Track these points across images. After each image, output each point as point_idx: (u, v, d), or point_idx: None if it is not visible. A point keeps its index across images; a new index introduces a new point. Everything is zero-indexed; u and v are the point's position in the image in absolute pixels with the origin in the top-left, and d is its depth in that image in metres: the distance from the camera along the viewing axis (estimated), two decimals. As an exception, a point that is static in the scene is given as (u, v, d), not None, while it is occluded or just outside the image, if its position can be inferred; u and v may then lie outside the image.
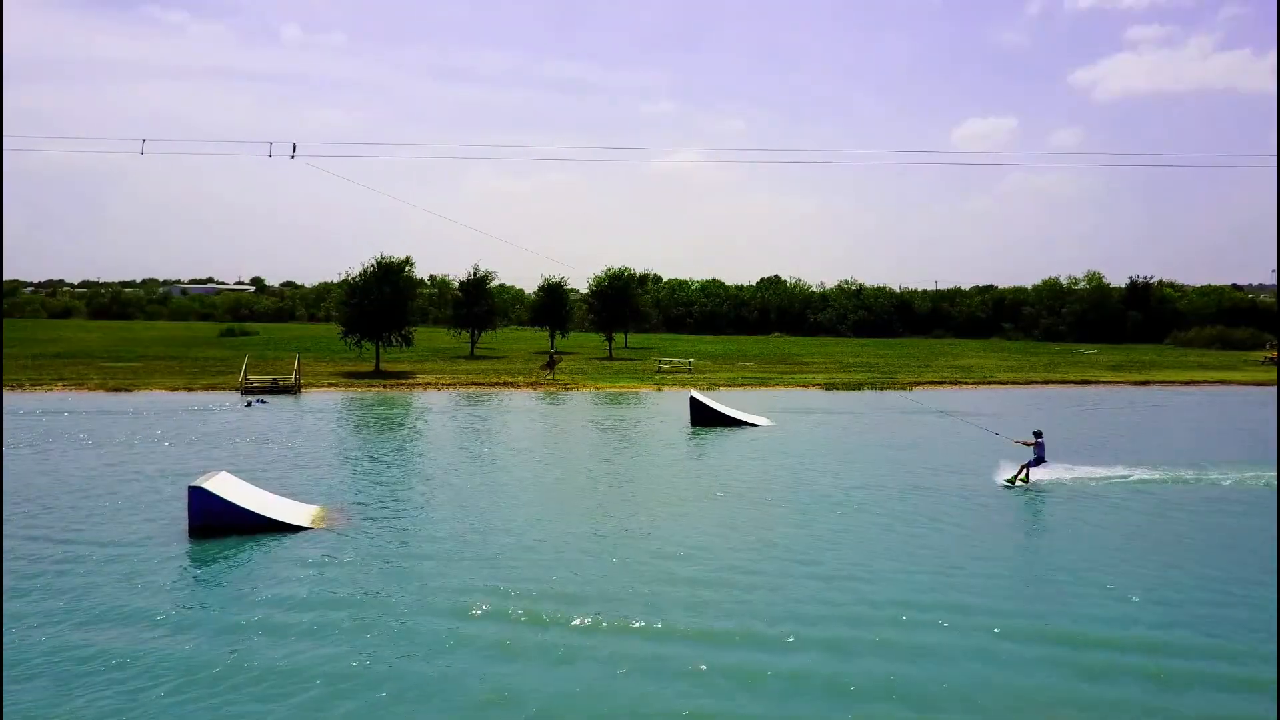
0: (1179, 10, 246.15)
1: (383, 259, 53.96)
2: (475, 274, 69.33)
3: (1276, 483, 23.69)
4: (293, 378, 45.93)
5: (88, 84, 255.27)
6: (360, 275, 53.36)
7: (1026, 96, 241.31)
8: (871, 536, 18.38)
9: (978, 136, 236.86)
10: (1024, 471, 22.88)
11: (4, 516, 19.20)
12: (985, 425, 30.23)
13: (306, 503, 20.62)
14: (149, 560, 16.20)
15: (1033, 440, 23.01)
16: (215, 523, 18.22)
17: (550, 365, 54.73)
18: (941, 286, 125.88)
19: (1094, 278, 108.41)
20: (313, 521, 19.24)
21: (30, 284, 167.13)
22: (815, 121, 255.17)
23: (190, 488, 18.45)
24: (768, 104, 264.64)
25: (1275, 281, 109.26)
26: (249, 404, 39.87)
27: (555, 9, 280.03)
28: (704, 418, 35.28)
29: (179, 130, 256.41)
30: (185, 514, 18.54)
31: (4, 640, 12.30)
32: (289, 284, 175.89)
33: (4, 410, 35.88)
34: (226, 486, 19.07)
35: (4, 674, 11.28)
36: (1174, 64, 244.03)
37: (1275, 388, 50.29)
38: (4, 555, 16.22)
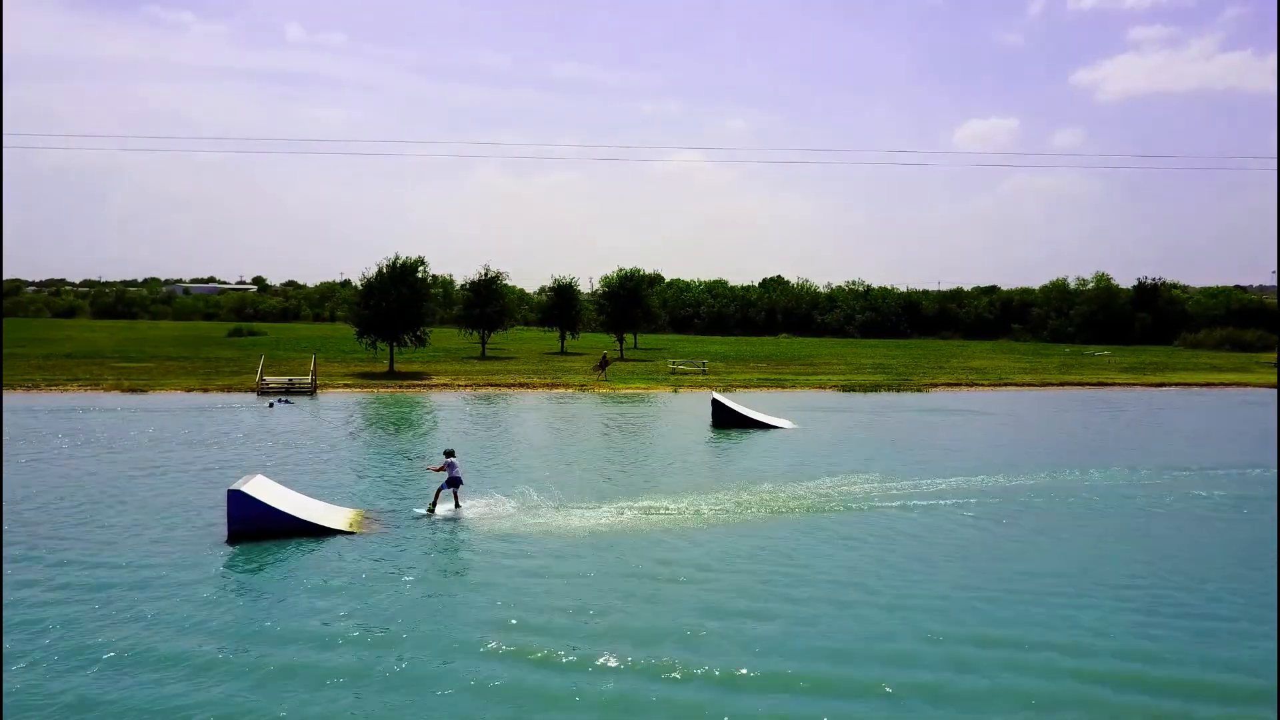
0: (1181, 11, 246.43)
1: (397, 259, 53.79)
2: (486, 274, 69.25)
3: (1277, 483, 23.54)
4: (309, 378, 45.72)
5: (89, 83, 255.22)
6: (376, 276, 53.18)
7: (1028, 97, 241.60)
8: (932, 553, 17.73)
9: (979, 137, 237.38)
10: (442, 498, 20.12)
11: (35, 520, 19.09)
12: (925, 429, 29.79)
13: (341, 505, 20.43)
14: (189, 568, 15.91)
15: (442, 463, 20.27)
16: (254, 526, 18.01)
17: (602, 365, 54.75)
18: (944, 287, 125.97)
19: (1102, 279, 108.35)
20: (350, 525, 19.03)
21: (32, 283, 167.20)
22: (816, 122, 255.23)
23: (229, 491, 18.22)
24: (769, 104, 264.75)
25: (1275, 282, 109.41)
26: (270, 405, 39.66)
27: (555, 9, 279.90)
28: (726, 420, 35.09)
29: (181, 129, 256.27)
30: (223, 517, 18.41)
31: (33, 648, 12.16)
32: (291, 283, 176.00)
33: (21, 411, 35.69)
34: (263, 489, 18.86)
35: (24, 682, 11.14)
36: (1176, 64, 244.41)
37: (1276, 389, 50.25)
38: (41, 560, 16.08)
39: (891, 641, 12.75)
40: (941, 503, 21.45)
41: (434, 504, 20.19)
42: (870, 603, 14.35)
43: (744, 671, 11.65)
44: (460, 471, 20.35)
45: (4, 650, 11.96)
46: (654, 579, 15.54)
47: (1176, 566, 16.59)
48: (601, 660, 11.99)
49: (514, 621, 13.34)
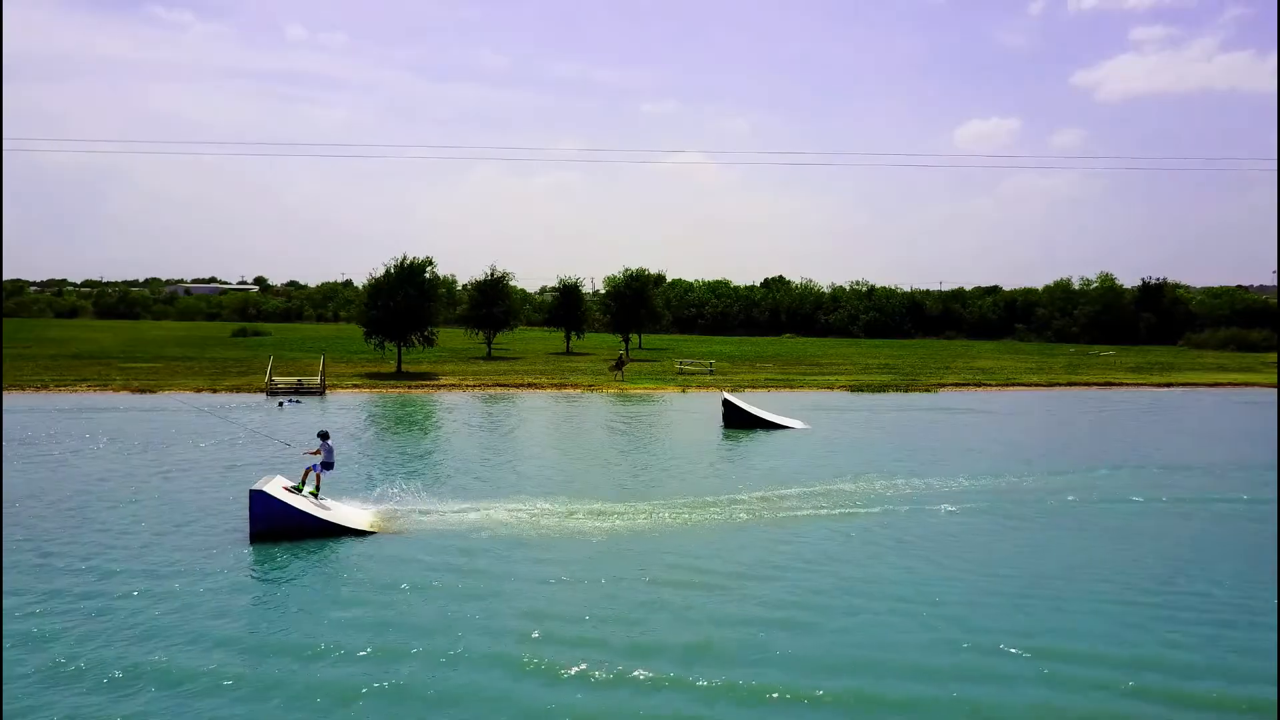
0: (1181, 11, 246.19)
1: (405, 260, 53.78)
2: (492, 274, 69.21)
3: (1277, 482, 23.49)
4: (318, 379, 45.68)
5: (90, 84, 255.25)
6: (384, 276, 53.18)
7: (1029, 97, 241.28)
8: (974, 556, 17.59)
9: (980, 137, 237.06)
10: (312, 478, 19.69)
11: (63, 522, 19.07)
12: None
13: (362, 505, 20.39)
14: (216, 573, 15.77)
15: (318, 446, 20.08)
16: (276, 526, 17.96)
17: (619, 365, 54.80)
18: (946, 287, 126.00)
19: (1106, 279, 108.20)
20: (372, 525, 19.00)
21: (34, 284, 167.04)
22: (817, 121, 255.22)
23: (251, 491, 18.17)
24: (771, 104, 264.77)
25: (1275, 282, 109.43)
26: (280, 405, 39.64)
27: (555, 9, 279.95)
28: (738, 420, 35.05)
29: (182, 130, 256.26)
30: (243, 517, 18.39)
31: (68, 652, 12.15)
32: (292, 284, 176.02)
33: (36, 412, 35.66)
34: (283, 490, 18.83)
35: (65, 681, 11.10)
36: (1176, 65, 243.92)
37: (1276, 388, 50.21)
38: (73, 569, 15.91)
39: (948, 654, 12.41)
40: (969, 504, 21.40)
41: (303, 481, 19.72)
42: (917, 612, 14.00)
43: (801, 687, 11.28)
44: (335, 456, 20.19)
45: (17, 661, 11.84)
46: (687, 586, 15.26)
47: (1220, 571, 16.50)
48: (643, 676, 11.58)
49: (547, 634, 12.98)
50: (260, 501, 18.02)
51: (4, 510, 19.47)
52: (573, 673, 11.73)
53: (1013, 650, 12.52)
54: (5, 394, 40.03)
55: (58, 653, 12.06)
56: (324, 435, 20.32)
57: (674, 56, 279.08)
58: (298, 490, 19.43)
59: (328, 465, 19.95)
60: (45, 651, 12.11)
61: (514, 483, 23.73)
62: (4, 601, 13.69)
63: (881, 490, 22.83)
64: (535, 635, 12.97)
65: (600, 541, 17.96)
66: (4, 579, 14.85)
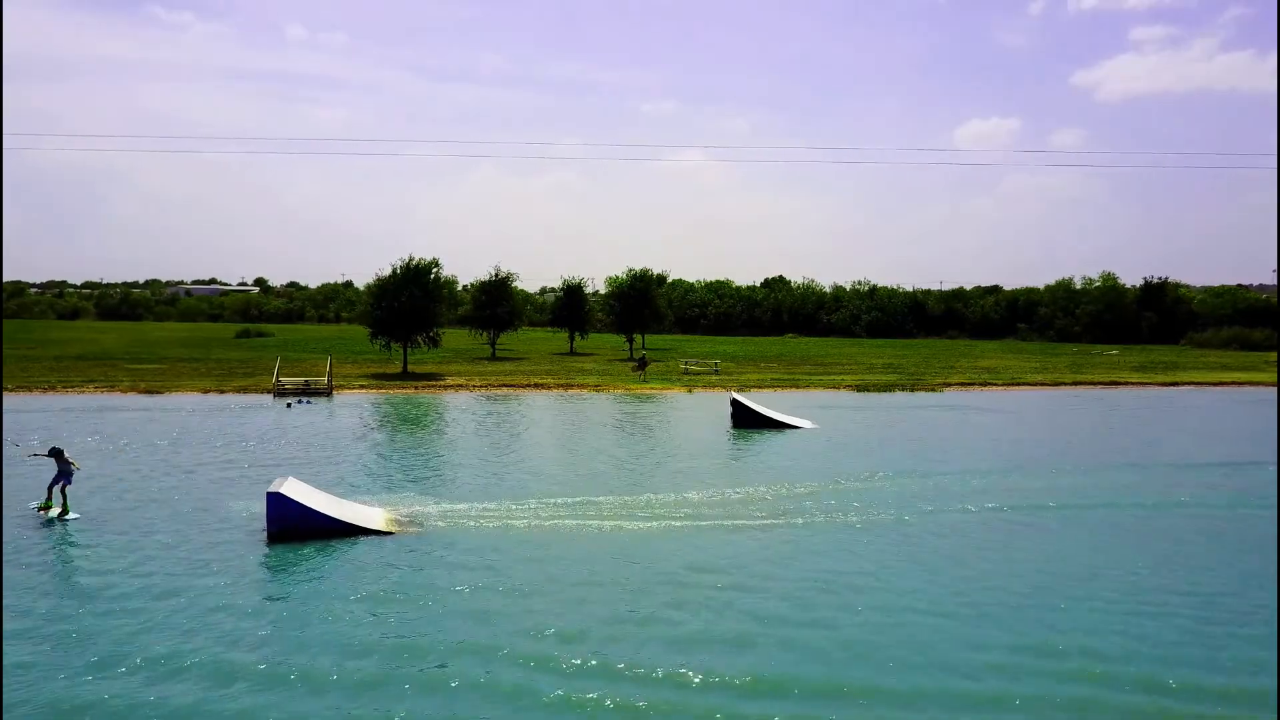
0: (1182, 11, 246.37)
1: (411, 260, 53.86)
2: (497, 275, 69.27)
3: (1277, 483, 23.52)
4: (325, 379, 45.71)
5: (90, 84, 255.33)
6: (390, 276, 53.25)
7: (1029, 97, 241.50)
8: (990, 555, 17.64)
9: (980, 137, 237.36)
10: (58, 496, 19.60)
11: (83, 524, 19.10)
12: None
13: (374, 505, 20.40)
14: (226, 580, 15.49)
15: (45, 453, 20.07)
16: (292, 527, 17.99)
17: (641, 366, 54.88)
18: (946, 287, 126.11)
19: (1108, 278, 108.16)
20: (387, 525, 19.02)
21: (34, 285, 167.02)
22: (817, 121, 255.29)
23: (268, 493, 18.18)
24: (771, 104, 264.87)
25: (1275, 281, 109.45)
26: (288, 405, 39.67)
27: (555, 9, 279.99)
28: (746, 420, 35.10)
29: (182, 130, 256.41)
30: (260, 517, 18.42)
31: (84, 645, 12.20)
32: (293, 284, 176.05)
33: (45, 412, 35.67)
34: (299, 491, 18.85)
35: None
36: (1176, 65, 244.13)
37: (1276, 387, 50.26)
38: (110, 588, 15.57)
39: (983, 674, 12.09)
40: (988, 504, 21.34)
41: (49, 500, 19.71)
42: (952, 625, 13.54)
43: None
44: (70, 469, 19.70)
45: (12, 662, 11.78)
46: (711, 598, 14.63)
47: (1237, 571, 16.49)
48: (684, 704, 10.89)
49: (573, 658, 12.19)
50: (277, 503, 18.03)
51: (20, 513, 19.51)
52: (609, 705, 10.94)
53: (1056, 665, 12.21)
54: (14, 395, 40.07)
55: (95, 658, 12.00)
56: (57, 453, 19.75)
57: (674, 56, 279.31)
58: (46, 508, 19.58)
59: (65, 478, 19.60)
60: (76, 656, 12.08)
61: (527, 483, 23.74)
62: (18, 618, 13.52)
63: (898, 490, 22.83)
64: (569, 660, 12.15)
65: (619, 545, 17.86)
66: (13, 586, 14.85)
